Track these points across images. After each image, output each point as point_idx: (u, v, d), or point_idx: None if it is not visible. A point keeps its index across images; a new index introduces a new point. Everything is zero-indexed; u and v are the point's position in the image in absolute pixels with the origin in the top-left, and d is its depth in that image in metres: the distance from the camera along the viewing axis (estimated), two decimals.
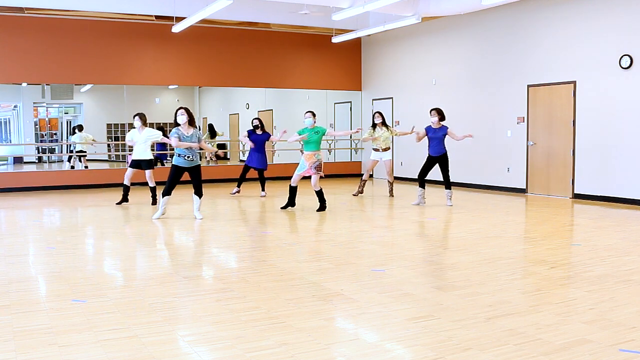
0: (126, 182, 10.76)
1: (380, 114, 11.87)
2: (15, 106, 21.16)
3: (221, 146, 21.23)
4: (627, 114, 10.29)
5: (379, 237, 7.76)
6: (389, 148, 11.82)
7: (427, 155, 10.31)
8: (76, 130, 16.94)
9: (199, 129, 19.68)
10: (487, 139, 13.08)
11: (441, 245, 6.94)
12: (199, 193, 8.87)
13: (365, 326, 4.05)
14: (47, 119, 22.27)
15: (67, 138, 20.92)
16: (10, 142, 21.44)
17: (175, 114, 8.68)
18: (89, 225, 9.17)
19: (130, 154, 10.88)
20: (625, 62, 10.23)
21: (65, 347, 3.60)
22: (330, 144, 17.45)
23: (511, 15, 12.33)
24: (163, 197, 8.88)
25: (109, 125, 20.71)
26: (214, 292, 4.97)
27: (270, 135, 12.04)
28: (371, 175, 12.44)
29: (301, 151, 10.25)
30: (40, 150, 21.16)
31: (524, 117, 12.20)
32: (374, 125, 11.77)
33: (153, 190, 10.77)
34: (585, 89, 10.98)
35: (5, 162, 19.98)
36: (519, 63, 12.25)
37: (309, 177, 9.86)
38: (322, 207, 9.75)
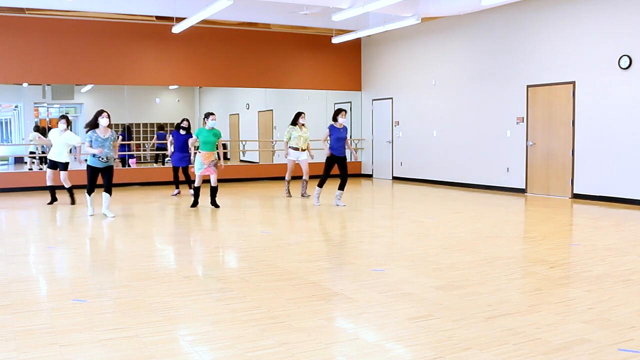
0: (49, 182, 10.96)
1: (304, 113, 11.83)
2: (16, 106, 21.17)
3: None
4: (627, 114, 10.30)
5: (379, 237, 7.77)
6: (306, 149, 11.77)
7: (330, 156, 10.07)
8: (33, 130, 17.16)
9: (159, 129, 19.33)
10: (487, 139, 13.09)
11: (441, 245, 6.95)
12: (108, 191, 9.19)
13: (365, 326, 4.06)
14: (47, 119, 22.27)
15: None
16: (11, 142, 21.45)
17: (97, 116, 9.05)
18: (88, 225, 9.17)
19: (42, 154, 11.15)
20: (625, 62, 10.24)
21: (66, 346, 3.61)
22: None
23: (511, 16, 12.35)
24: (89, 195, 9.22)
25: (109, 126, 20.68)
26: (214, 292, 4.98)
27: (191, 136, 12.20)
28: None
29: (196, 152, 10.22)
30: (41, 151, 21.14)
31: (523, 118, 12.22)
32: (296, 124, 11.62)
33: (69, 190, 10.99)
34: (585, 89, 10.99)
35: (6, 162, 19.99)
36: (518, 63, 12.26)
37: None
38: (195, 203, 10.15)
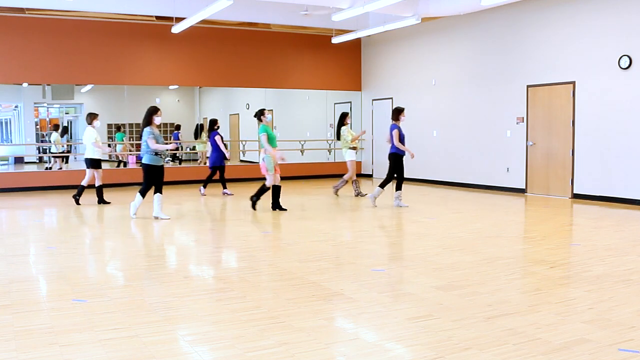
0: (98, 182, 10.84)
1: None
2: (16, 106, 21.17)
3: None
4: (627, 114, 10.30)
5: (379, 237, 7.77)
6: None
7: (398, 156, 9.94)
8: (54, 130, 17.13)
9: (176, 128, 19.31)
10: (487, 139, 13.09)
11: (441, 245, 6.94)
12: (160, 191, 8.94)
13: (365, 326, 4.06)
14: (47, 119, 22.28)
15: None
16: (11, 142, 21.45)
17: (152, 113, 8.79)
18: (89, 225, 9.18)
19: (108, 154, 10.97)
20: (625, 62, 10.24)
21: (66, 346, 3.61)
22: (330, 144, 17.46)
23: (510, 16, 12.34)
24: (143, 197, 8.94)
25: (109, 126, 20.72)
26: (214, 292, 4.98)
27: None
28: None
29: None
30: (41, 151, 21.16)
31: (523, 118, 12.21)
32: (344, 124, 11.64)
33: (83, 189, 10.85)
34: (585, 89, 10.99)
35: (6, 162, 19.99)
36: (518, 63, 12.26)
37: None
38: (280, 206, 9.76)
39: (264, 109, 9.75)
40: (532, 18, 11.92)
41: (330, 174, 16.31)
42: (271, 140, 9.47)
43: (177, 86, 20.02)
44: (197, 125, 20.88)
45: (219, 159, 12.18)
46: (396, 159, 9.96)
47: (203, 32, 14.69)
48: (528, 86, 12.07)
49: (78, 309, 4.41)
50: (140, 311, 4.35)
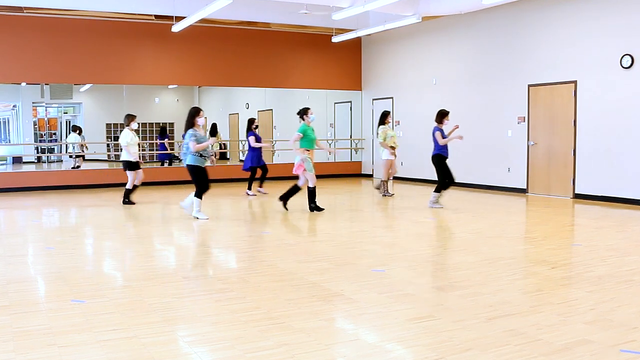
0: (136, 183, 10.78)
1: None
2: (14, 106, 21.13)
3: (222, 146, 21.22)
4: (628, 114, 10.27)
5: (380, 237, 7.75)
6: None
7: (443, 157, 9.89)
8: (71, 131, 17.12)
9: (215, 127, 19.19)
10: (488, 139, 13.06)
11: (442, 245, 6.92)
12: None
13: (365, 326, 4.04)
14: (46, 118, 22.24)
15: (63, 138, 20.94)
16: (10, 142, 21.42)
17: (195, 114, 8.60)
18: (88, 225, 9.15)
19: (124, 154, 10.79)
20: (627, 61, 10.22)
21: (65, 347, 3.58)
22: (330, 144, 17.43)
23: (511, 15, 12.32)
24: (201, 198, 8.78)
25: (108, 125, 20.68)
26: (213, 292, 4.95)
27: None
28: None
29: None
30: (40, 150, 21.13)
31: (524, 117, 12.19)
32: (384, 123, 11.57)
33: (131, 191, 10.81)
34: (586, 88, 10.96)
35: (4, 162, 19.95)
36: (519, 63, 12.24)
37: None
38: (317, 207, 9.58)
39: (309, 108, 9.56)
40: (533, 17, 11.89)
41: (330, 173, 16.29)
42: (310, 141, 9.28)
43: (176, 86, 19.98)
44: (213, 124, 20.88)
45: (255, 159, 12.05)
46: (439, 160, 9.88)
47: (203, 32, 14.66)
48: (529, 85, 12.05)
49: (77, 309, 4.38)
50: (139, 312, 4.32)
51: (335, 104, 17.77)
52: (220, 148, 21.13)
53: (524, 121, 12.19)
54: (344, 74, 16.87)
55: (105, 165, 18.17)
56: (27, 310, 4.37)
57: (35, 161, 20.84)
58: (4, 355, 3.47)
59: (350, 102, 17.49)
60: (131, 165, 10.61)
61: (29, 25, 13.32)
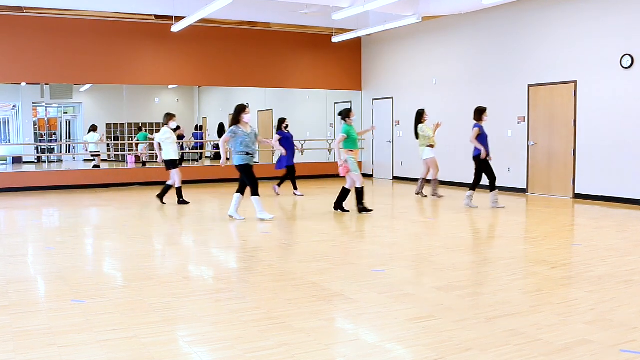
0: (179, 183, 10.70)
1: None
2: (14, 106, 21.14)
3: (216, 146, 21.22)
4: (628, 114, 10.27)
5: (380, 237, 7.75)
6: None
7: (485, 157, 9.82)
8: (91, 131, 17.15)
9: (196, 128, 19.29)
10: (488, 139, 13.02)
11: (441, 245, 6.92)
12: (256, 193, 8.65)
13: (365, 326, 4.04)
14: (46, 118, 22.25)
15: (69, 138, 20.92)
16: (10, 142, 21.42)
17: (240, 111, 8.45)
18: (88, 225, 9.15)
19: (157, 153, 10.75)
20: (627, 61, 10.21)
21: (65, 347, 3.58)
22: (330, 144, 17.42)
23: (512, 15, 12.32)
24: (259, 195, 8.65)
25: (108, 125, 20.69)
26: (213, 292, 4.95)
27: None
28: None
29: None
30: (40, 150, 21.13)
31: (524, 117, 12.19)
32: (421, 122, 11.43)
33: (169, 189, 10.72)
34: (586, 88, 10.96)
35: (4, 162, 19.95)
36: (519, 63, 12.24)
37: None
38: (365, 208, 9.41)
39: (351, 110, 9.44)
40: (533, 17, 11.89)
41: (330, 174, 16.28)
42: (353, 141, 9.19)
43: (176, 85, 19.99)
44: (220, 124, 20.90)
45: (286, 159, 12.02)
46: (484, 160, 9.86)
47: (202, 32, 14.66)
48: (529, 85, 12.05)
49: (77, 309, 4.38)
50: (139, 312, 4.32)
51: (335, 104, 17.76)
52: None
53: (524, 121, 12.19)
54: (344, 74, 16.87)
55: (105, 165, 18.18)
56: (27, 310, 4.37)
57: (35, 161, 20.85)
58: (4, 355, 3.47)
59: (350, 102, 17.49)
60: (174, 164, 10.58)
61: (29, 25, 13.32)
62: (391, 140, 16.07)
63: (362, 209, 9.32)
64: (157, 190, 11.25)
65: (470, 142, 9.84)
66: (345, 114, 9.29)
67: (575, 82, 11.14)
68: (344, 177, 9.32)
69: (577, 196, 11.18)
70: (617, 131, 10.46)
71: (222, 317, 4.22)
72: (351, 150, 9.16)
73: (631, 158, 10.25)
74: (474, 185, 10.02)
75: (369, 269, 5.67)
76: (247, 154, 8.44)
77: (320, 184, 14.90)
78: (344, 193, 9.41)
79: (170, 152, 10.54)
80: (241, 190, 8.74)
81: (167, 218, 9.56)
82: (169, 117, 10.62)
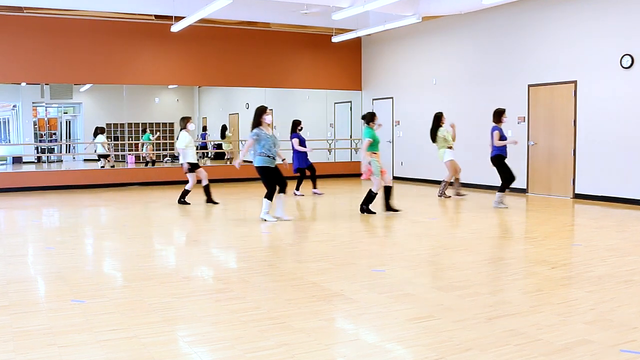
0: (205, 182, 10.63)
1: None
2: (14, 106, 21.13)
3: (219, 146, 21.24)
4: (629, 114, 10.27)
5: (380, 237, 7.75)
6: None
7: (503, 157, 9.84)
8: (99, 133, 17.21)
9: (203, 129, 19.25)
10: (488, 139, 13.02)
11: (441, 245, 6.92)
12: (284, 191, 8.61)
13: (365, 326, 4.04)
14: (46, 118, 22.24)
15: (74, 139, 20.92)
16: (10, 142, 21.41)
17: (262, 113, 8.40)
18: (88, 225, 9.15)
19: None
20: (627, 61, 10.21)
21: (65, 347, 3.58)
22: (330, 144, 17.42)
23: (512, 15, 12.31)
24: (271, 200, 8.57)
25: (108, 125, 20.66)
26: (213, 292, 4.95)
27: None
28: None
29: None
30: (40, 150, 21.12)
31: (524, 117, 12.19)
32: (441, 125, 11.39)
33: (188, 192, 10.64)
34: (586, 88, 10.96)
35: (4, 162, 19.95)
36: (519, 63, 12.23)
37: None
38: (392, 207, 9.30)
39: (375, 113, 9.35)
40: (533, 17, 11.89)
41: (330, 174, 16.27)
42: (376, 144, 9.05)
43: (176, 85, 19.97)
44: (223, 126, 20.96)
45: (302, 160, 12.01)
46: (499, 160, 9.85)
47: (202, 31, 14.65)
48: (529, 85, 12.05)
49: (77, 309, 4.38)
50: (139, 312, 4.32)
51: (335, 104, 17.76)
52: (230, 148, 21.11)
53: (524, 121, 12.19)
54: (344, 74, 16.87)
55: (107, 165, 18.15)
56: (27, 310, 4.37)
57: (35, 161, 20.84)
58: (4, 355, 3.47)
59: (350, 102, 17.49)
60: (193, 167, 10.51)
61: (29, 25, 13.31)
62: (391, 141, 16.06)
63: (388, 208, 9.24)
64: (157, 190, 11.25)
65: (495, 145, 9.81)
66: (370, 118, 9.17)
67: (575, 82, 11.14)
68: (368, 179, 9.21)
69: (577, 196, 11.18)
70: (617, 131, 10.46)
71: (222, 317, 4.22)
72: (374, 153, 9.06)
73: (631, 158, 10.24)
74: (504, 187, 9.94)
75: (369, 269, 5.67)
76: (268, 156, 8.37)
77: (320, 184, 14.89)
78: (369, 197, 9.23)
79: (193, 154, 10.49)
80: (281, 189, 8.54)
81: (167, 218, 9.56)
82: (186, 120, 10.50)
